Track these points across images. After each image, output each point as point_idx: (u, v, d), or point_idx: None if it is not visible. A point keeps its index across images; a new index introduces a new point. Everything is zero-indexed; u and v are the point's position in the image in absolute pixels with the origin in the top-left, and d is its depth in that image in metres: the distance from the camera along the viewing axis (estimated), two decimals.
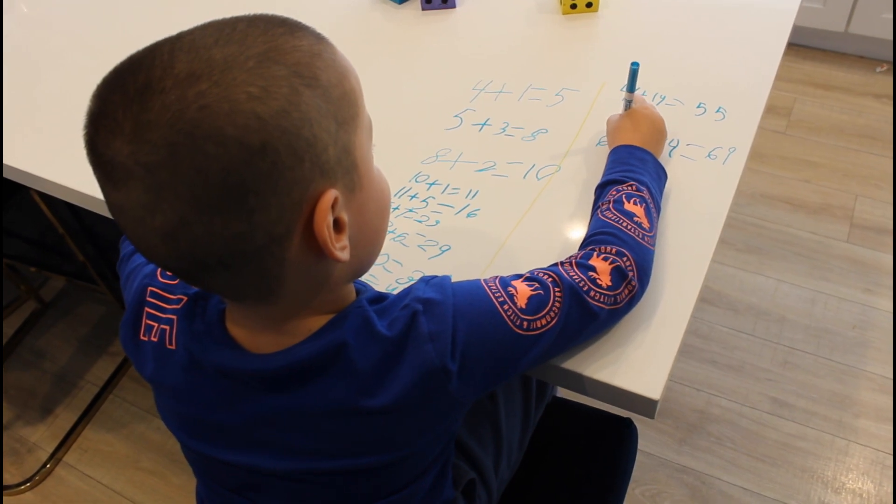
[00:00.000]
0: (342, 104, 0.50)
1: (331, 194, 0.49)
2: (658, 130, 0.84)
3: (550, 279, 0.63)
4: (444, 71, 1.08)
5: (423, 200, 0.87)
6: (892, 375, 1.55)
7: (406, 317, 0.57)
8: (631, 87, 0.84)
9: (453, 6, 1.19)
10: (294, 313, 0.56)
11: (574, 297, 0.63)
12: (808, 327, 1.64)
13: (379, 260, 0.80)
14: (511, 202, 0.86)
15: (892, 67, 2.22)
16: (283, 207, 0.47)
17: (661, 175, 0.80)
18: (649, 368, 0.67)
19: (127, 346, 0.65)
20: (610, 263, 0.66)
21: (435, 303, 0.58)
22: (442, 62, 1.09)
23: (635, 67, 0.82)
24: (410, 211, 0.86)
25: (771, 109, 2.13)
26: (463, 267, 0.79)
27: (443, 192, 0.88)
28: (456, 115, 0.98)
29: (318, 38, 0.51)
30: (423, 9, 1.18)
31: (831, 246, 1.80)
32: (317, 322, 0.56)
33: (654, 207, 0.74)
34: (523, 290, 0.61)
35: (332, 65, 0.50)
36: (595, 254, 0.67)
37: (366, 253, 0.59)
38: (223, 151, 0.44)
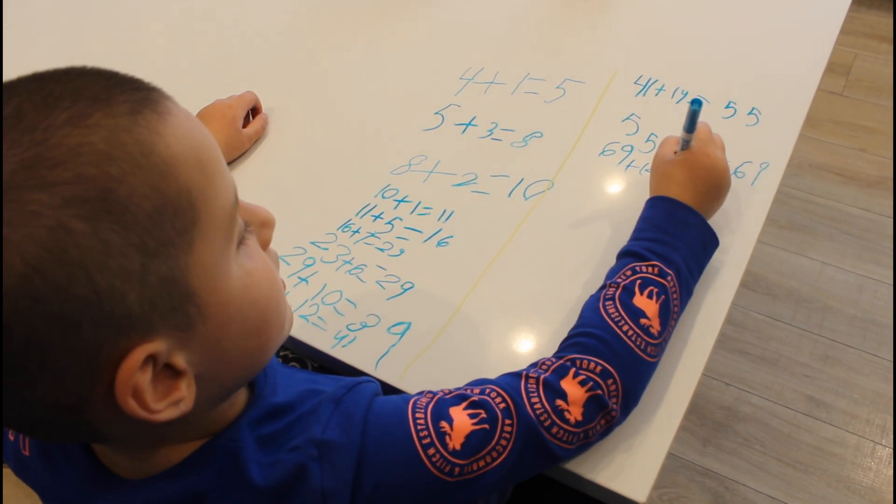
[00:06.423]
0: (159, 221, 0.35)
1: (137, 354, 0.35)
2: (717, 186, 0.67)
3: (503, 405, 0.51)
4: (427, 56, 0.95)
5: (389, 222, 0.75)
6: None
7: (292, 463, 0.45)
8: (690, 127, 0.67)
9: None
10: (144, 446, 0.44)
11: (530, 437, 0.51)
12: (853, 318, 1.52)
13: (331, 299, 0.69)
14: (490, 228, 0.74)
15: None
16: (62, 381, 0.35)
17: (707, 246, 0.65)
18: (635, 467, 0.58)
19: None
20: (587, 391, 0.53)
21: (335, 447, 0.46)
22: (424, 46, 0.97)
23: (696, 108, 0.65)
24: (372, 236, 0.74)
25: (827, 67, 1.96)
26: (425, 313, 0.68)
27: (412, 211, 0.76)
28: (437, 113, 0.87)
29: (134, 111, 0.35)
30: None
31: (885, 226, 1.66)
32: (178, 452, 0.44)
33: (676, 300, 0.60)
34: (462, 425, 0.49)
35: (144, 163, 0.34)
36: (572, 371, 0.54)
37: (241, 375, 0.44)
38: None
